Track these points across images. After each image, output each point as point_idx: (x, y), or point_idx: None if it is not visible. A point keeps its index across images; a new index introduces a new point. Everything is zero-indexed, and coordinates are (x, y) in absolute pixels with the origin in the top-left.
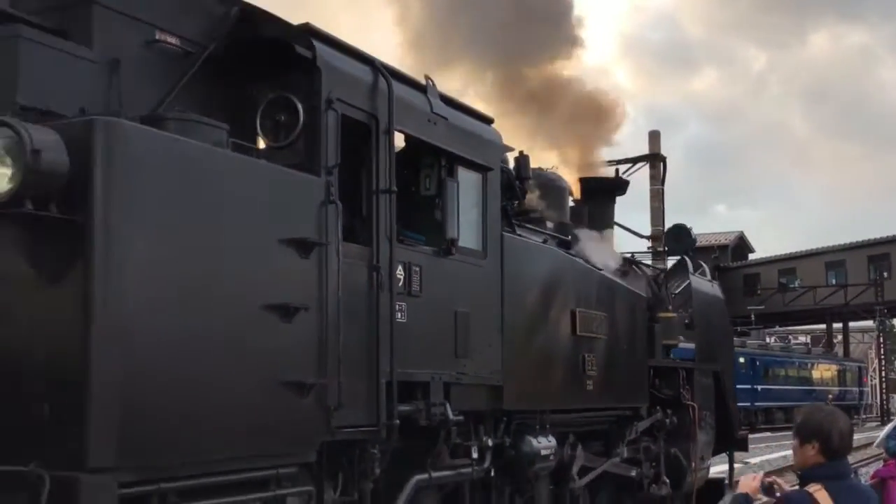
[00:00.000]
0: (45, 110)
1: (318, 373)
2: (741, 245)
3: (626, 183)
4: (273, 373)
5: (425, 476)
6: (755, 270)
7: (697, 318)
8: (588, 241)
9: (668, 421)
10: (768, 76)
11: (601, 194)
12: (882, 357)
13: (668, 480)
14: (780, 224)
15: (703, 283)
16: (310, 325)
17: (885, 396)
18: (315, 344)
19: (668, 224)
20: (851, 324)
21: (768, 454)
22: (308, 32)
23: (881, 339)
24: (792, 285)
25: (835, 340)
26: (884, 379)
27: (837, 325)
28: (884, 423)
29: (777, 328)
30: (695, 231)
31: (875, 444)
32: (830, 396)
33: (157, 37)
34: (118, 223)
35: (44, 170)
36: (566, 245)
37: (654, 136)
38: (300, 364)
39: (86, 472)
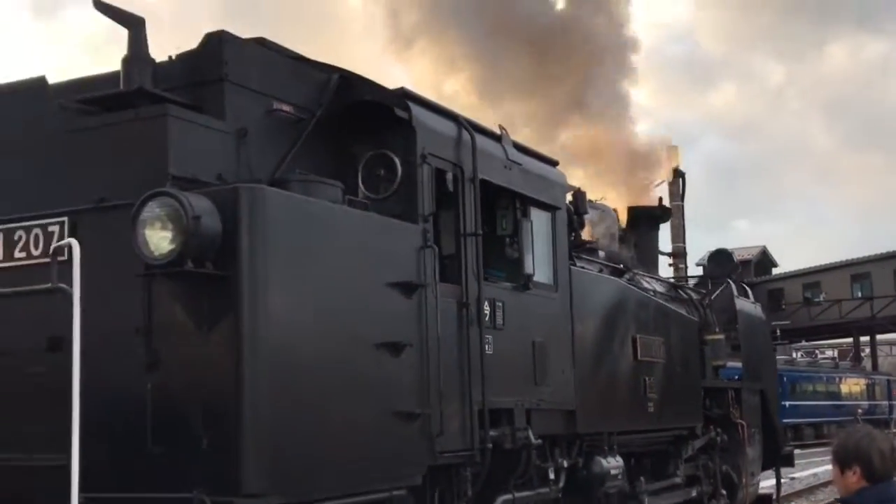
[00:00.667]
0: (192, 178)
1: (421, 403)
2: (764, 260)
3: (670, 211)
4: (387, 404)
5: (509, 497)
6: (779, 285)
7: (742, 340)
8: (638, 267)
9: (719, 439)
10: (787, 90)
11: (647, 221)
12: None
13: (725, 492)
14: (803, 238)
15: (748, 305)
16: (414, 359)
17: None
18: (418, 377)
19: (688, 240)
20: (879, 336)
21: (814, 468)
22: (404, 96)
23: None
24: (817, 299)
25: (862, 354)
26: None
27: (864, 339)
28: None
29: (803, 343)
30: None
31: None
32: (860, 411)
33: (274, 106)
34: (261, 276)
35: (202, 233)
36: (619, 273)
37: (673, 152)
38: (407, 395)
39: (241, 497)
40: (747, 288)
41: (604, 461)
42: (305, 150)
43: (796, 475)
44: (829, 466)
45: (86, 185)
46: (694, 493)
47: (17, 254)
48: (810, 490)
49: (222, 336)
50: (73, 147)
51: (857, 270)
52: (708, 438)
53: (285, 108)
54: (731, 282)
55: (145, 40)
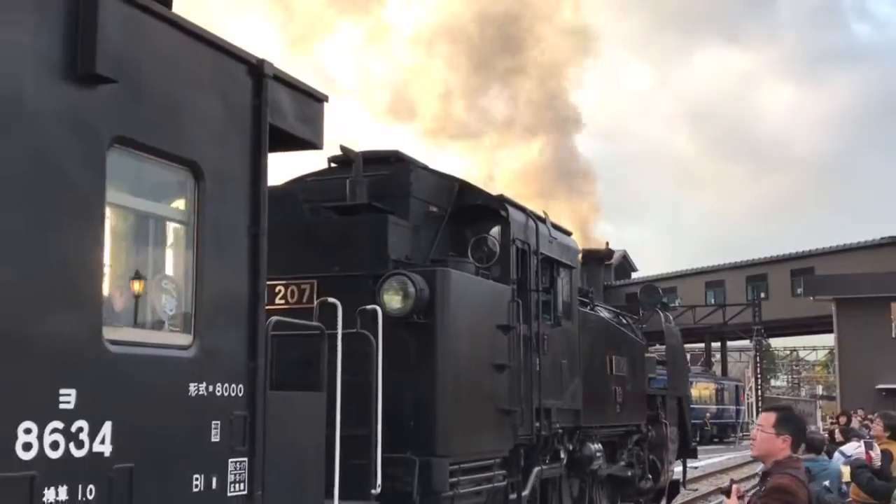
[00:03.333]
0: (397, 260)
1: (512, 404)
2: (624, 264)
3: (612, 253)
4: (495, 404)
5: (540, 468)
6: (636, 290)
7: (668, 357)
8: (597, 300)
9: (650, 434)
10: (657, 95)
11: (595, 262)
12: (758, 376)
13: (650, 477)
14: (664, 244)
15: (672, 329)
16: (508, 375)
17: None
18: (510, 386)
19: None
20: (729, 343)
21: (709, 459)
22: (502, 199)
23: (758, 359)
24: (672, 304)
25: (713, 359)
26: (760, 398)
27: (716, 344)
28: None
29: (657, 346)
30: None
31: None
32: (708, 415)
33: (431, 209)
34: (446, 323)
35: (421, 297)
36: (585, 305)
37: None
38: (505, 399)
39: (435, 457)
40: (669, 315)
41: (592, 446)
42: (442, 237)
43: (697, 464)
44: (712, 460)
45: (328, 260)
46: (629, 474)
47: (288, 299)
48: (706, 476)
49: (426, 359)
50: (320, 235)
51: (712, 278)
52: (641, 433)
53: (433, 209)
54: (659, 311)
55: (360, 168)
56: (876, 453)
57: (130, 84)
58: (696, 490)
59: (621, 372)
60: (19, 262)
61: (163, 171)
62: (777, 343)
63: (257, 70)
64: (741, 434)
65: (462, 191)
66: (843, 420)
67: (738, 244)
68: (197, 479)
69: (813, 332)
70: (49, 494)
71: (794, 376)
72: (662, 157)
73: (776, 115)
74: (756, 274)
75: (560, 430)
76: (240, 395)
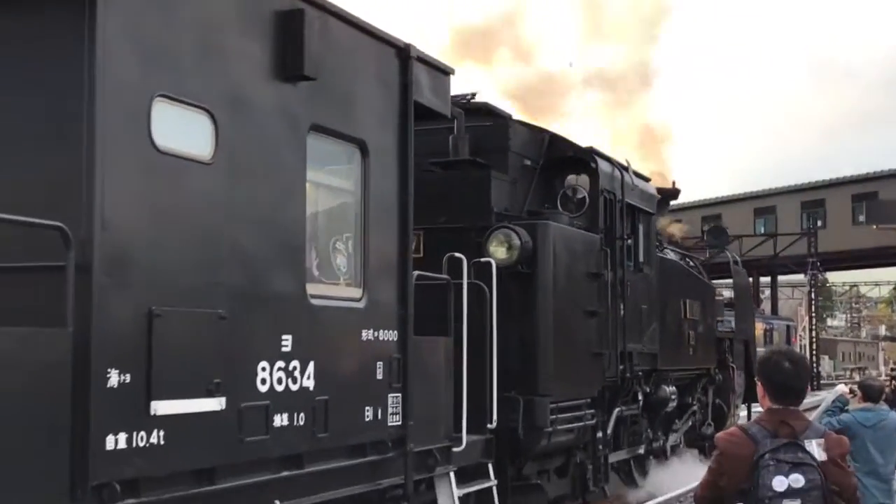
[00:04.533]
0: (497, 212)
1: (601, 347)
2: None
3: (679, 192)
4: (589, 347)
5: (620, 409)
6: (677, 216)
7: (736, 301)
8: (668, 244)
9: (717, 377)
10: None
11: (663, 202)
12: (813, 315)
13: (712, 423)
14: (706, 164)
15: (740, 271)
16: (597, 321)
17: (815, 359)
18: (599, 331)
19: None
20: (781, 278)
21: None
22: (591, 151)
23: (813, 296)
24: None
25: (762, 296)
26: (814, 339)
27: (765, 279)
28: (812, 388)
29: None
30: None
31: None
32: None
33: (525, 162)
34: (547, 273)
35: (525, 249)
36: (658, 248)
37: None
38: (596, 342)
39: (537, 396)
40: (737, 256)
41: (667, 388)
42: (534, 187)
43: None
44: None
45: (433, 212)
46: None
47: None
48: None
49: (529, 307)
50: (425, 188)
51: (762, 204)
52: (710, 377)
53: (527, 161)
54: (728, 252)
55: (463, 125)
56: None
57: (322, 79)
58: None
59: (694, 316)
60: (251, 231)
61: (341, 150)
62: (835, 278)
63: (404, 53)
64: None
65: (552, 143)
66: None
67: (791, 166)
68: (368, 410)
69: (876, 266)
70: (276, 419)
71: (854, 315)
72: (706, 63)
73: (836, 23)
74: (812, 199)
75: (640, 373)
76: (394, 339)
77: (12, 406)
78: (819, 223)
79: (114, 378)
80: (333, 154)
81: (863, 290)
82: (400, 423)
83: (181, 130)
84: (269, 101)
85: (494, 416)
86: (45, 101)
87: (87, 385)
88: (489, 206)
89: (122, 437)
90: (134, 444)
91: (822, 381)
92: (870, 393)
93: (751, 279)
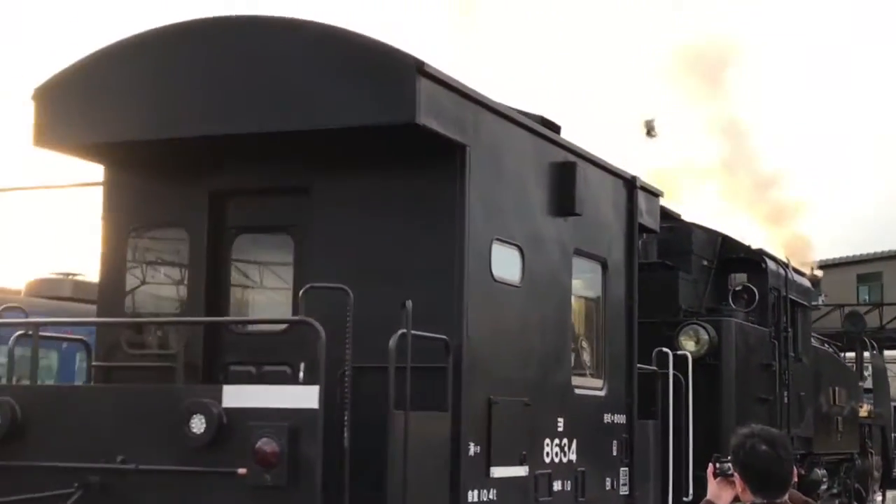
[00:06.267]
0: (685, 309)
1: None
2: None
3: (819, 280)
4: None
5: None
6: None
7: (874, 388)
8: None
9: (857, 462)
10: None
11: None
12: None
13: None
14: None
15: (877, 358)
16: (767, 407)
17: None
18: (769, 417)
19: None
20: (887, 353)
21: None
22: (761, 252)
23: None
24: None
25: (866, 372)
26: None
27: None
28: None
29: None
30: None
31: None
32: None
33: (703, 262)
34: (730, 366)
35: (712, 343)
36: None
37: None
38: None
39: None
40: (873, 342)
41: (819, 471)
42: (710, 285)
43: None
44: None
45: None
46: (836, 502)
47: None
48: None
49: (715, 394)
50: None
51: (866, 269)
52: (852, 461)
53: (705, 262)
54: (865, 339)
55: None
56: None
57: (583, 213)
58: None
59: (841, 402)
60: (542, 336)
61: (589, 266)
62: None
63: (631, 183)
64: None
65: (724, 244)
66: None
67: None
68: (608, 481)
69: None
70: (556, 485)
71: None
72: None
73: None
74: None
75: (797, 456)
76: (623, 422)
77: (416, 468)
78: None
79: (472, 449)
80: (584, 270)
81: None
82: (628, 492)
83: (505, 263)
84: (551, 233)
85: (690, 490)
86: (427, 243)
87: (458, 453)
88: (678, 303)
89: (475, 493)
90: (478, 499)
91: None
92: None
93: (853, 353)
